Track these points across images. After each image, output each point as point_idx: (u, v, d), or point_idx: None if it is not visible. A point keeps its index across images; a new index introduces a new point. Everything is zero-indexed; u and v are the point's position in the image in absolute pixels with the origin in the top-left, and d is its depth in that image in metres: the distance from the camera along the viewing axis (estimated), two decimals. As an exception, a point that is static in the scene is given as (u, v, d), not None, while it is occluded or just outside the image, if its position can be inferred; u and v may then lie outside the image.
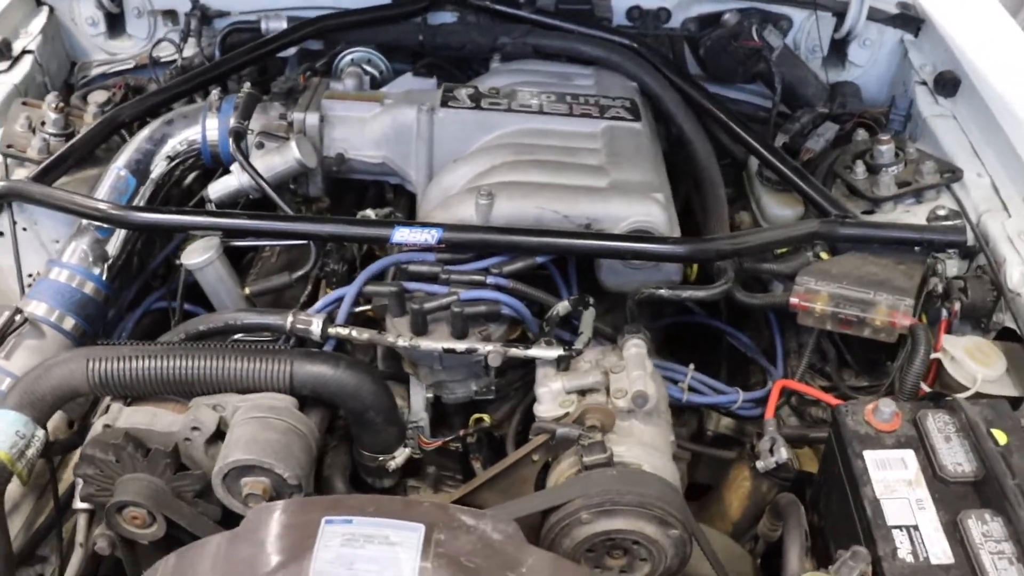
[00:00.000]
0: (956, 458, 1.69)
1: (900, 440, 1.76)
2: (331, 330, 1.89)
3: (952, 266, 2.14)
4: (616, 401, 1.80)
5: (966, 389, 1.94)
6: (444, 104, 2.27)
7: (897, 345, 2.07)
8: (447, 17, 2.70)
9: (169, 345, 1.82)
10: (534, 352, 1.87)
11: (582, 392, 1.85)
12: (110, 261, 2.15)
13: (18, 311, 1.99)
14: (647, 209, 2.07)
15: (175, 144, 2.25)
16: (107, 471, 1.79)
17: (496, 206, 2.06)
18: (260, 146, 2.21)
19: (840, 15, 2.68)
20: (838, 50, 2.78)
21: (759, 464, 2.00)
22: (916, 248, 2.14)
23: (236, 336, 1.97)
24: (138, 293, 2.33)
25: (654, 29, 2.70)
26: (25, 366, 1.93)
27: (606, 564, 1.74)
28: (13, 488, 2.12)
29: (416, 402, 1.98)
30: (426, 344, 1.88)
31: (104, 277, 2.15)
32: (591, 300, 1.99)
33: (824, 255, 2.20)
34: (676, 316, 2.45)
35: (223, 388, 1.78)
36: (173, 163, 2.25)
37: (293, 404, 1.77)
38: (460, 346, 1.87)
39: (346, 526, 1.50)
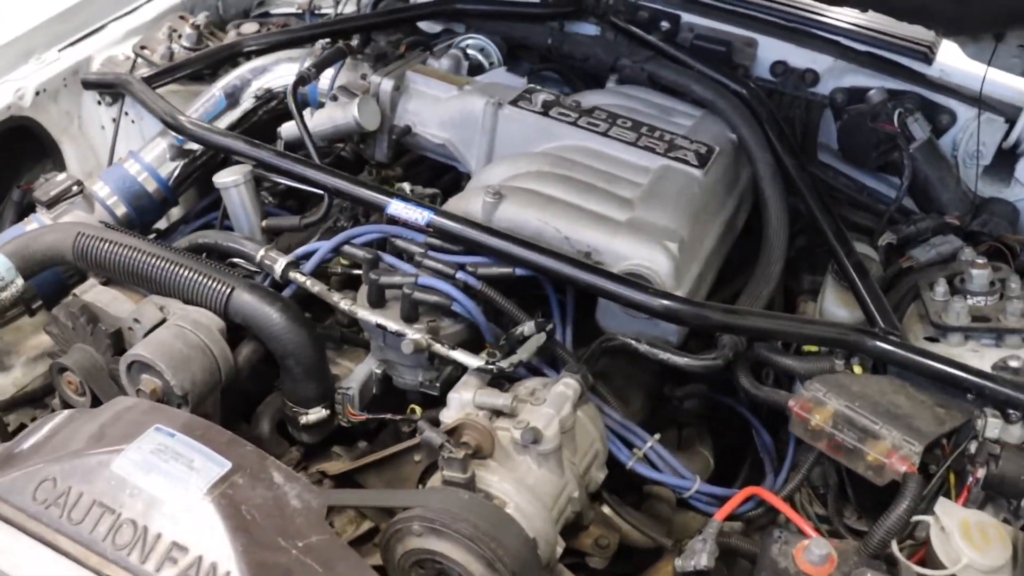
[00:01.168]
0: (864, 637, 1.45)
1: (818, 591, 1.54)
2: (291, 273, 1.95)
3: (995, 427, 1.79)
4: (513, 431, 1.70)
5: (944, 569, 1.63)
6: (513, 103, 2.24)
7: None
8: (590, 29, 2.66)
9: (148, 242, 1.95)
10: (455, 355, 1.81)
11: (496, 412, 1.77)
12: (179, 167, 2.34)
13: (79, 183, 2.22)
14: (652, 254, 1.92)
15: (269, 80, 2.40)
16: (65, 334, 1.96)
17: (502, 208, 2.00)
18: (334, 98, 2.30)
19: (1012, 121, 2.32)
20: (1008, 163, 2.40)
21: (677, 562, 1.80)
22: (969, 396, 1.83)
23: (235, 260, 2.07)
24: (210, 207, 2.51)
25: (794, 89, 2.48)
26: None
27: (435, 587, 1.66)
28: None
29: (358, 371, 1.98)
30: (363, 314, 1.88)
31: (170, 181, 2.34)
32: (551, 328, 1.88)
33: (857, 369, 1.93)
34: (715, 394, 2.26)
35: (171, 292, 1.89)
36: (259, 102, 2.40)
37: (218, 326, 1.84)
38: (392, 326, 1.85)
39: (166, 438, 1.55)
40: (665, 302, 1.80)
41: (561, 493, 1.73)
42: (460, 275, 1.91)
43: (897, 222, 2.33)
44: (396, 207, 1.97)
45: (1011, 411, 1.78)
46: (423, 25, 2.76)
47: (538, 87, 2.34)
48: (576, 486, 1.76)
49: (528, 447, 1.70)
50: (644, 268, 1.92)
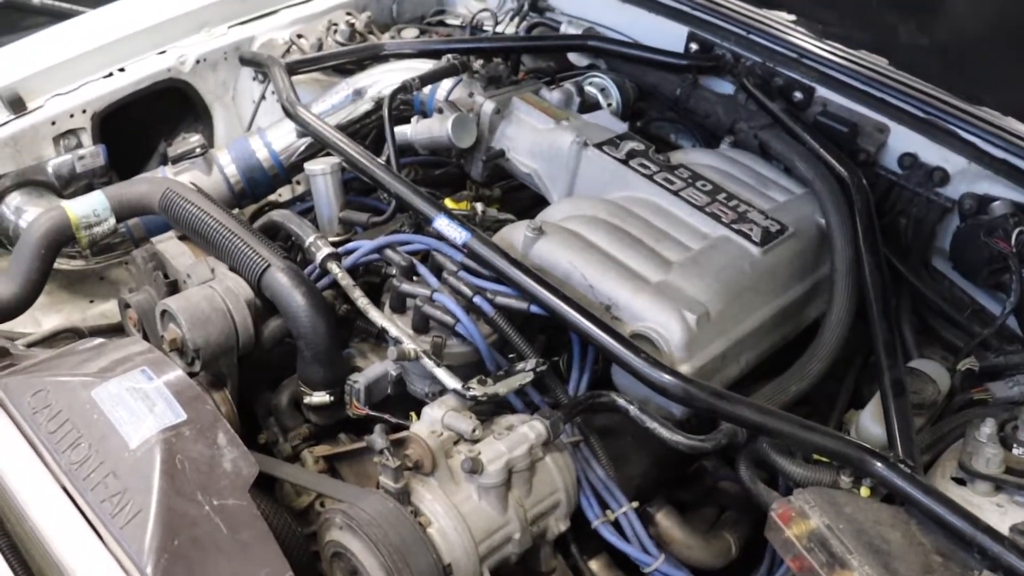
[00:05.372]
0: None
1: None
2: (329, 264, 2.06)
3: (986, 593, 1.60)
4: (459, 457, 1.72)
5: None
6: (599, 146, 2.24)
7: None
8: (726, 88, 2.59)
9: (221, 210, 2.13)
10: (437, 372, 1.84)
11: (461, 436, 1.79)
12: (297, 150, 2.53)
13: (204, 145, 2.47)
14: (667, 320, 1.87)
15: (395, 85, 2.52)
16: (137, 275, 2.20)
17: (539, 244, 2.02)
18: (440, 111, 2.39)
19: None
20: None
21: (608, 630, 1.75)
22: (977, 554, 1.63)
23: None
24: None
25: (917, 186, 2.29)
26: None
27: (349, 584, 1.72)
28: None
29: (371, 369, 2.04)
30: (373, 314, 1.95)
31: (285, 160, 2.54)
32: (543, 368, 1.87)
33: (864, 491, 1.78)
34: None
35: (222, 258, 2.06)
36: (374, 104, 2.54)
37: (246, 296, 1.98)
38: (393, 331, 1.92)
39: (145, 381, 1.71)
40: (652, 370, 1.74)
41: (498, 530, 1.72)
42: (477, 299, 1.95)
43: (991, 348, 2.12)
44: (440, 222, 2.03)
45: (1019, 582, 1.59)
46: (573, 58, 2.81)
47: (633, 135, 2.32)
48: (519, 528, 1.75)
49: (472, 477, 1.72)
50: (654, 333, 1.87)
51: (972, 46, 2.30)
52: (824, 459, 1.86)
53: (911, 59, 2.36)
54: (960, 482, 1.80)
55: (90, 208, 2.17)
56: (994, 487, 1.76)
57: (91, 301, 2.64)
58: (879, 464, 1.72)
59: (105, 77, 2.58)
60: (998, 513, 1.72)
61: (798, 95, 2.45)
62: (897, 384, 1.86)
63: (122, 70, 2.60)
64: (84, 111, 2.55)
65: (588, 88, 2.58)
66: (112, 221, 2.19)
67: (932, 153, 2.29)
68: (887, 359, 1.91)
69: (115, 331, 2.46)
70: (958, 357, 2.11)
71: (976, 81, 2.29)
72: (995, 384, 2.00)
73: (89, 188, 2.45)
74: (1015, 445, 1.78)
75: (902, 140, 2.33)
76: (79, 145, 2.56)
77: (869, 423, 1.96)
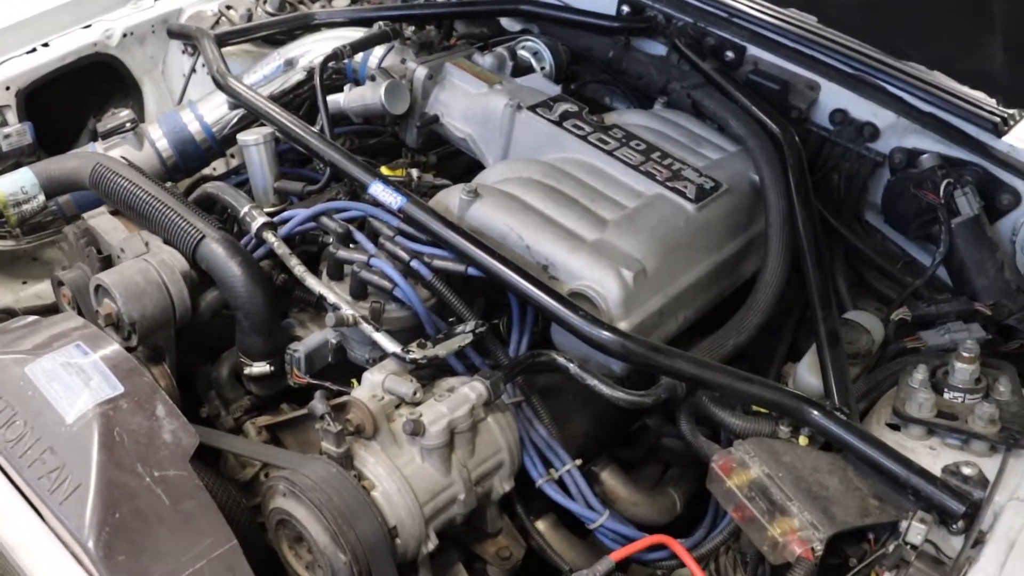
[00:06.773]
0: None
1: None
2: (265, 233, 2.03)
3: (919, 531, 1.63)
4: (399, 420, 1.72)
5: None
6: (532, 108, 2.24)
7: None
8: (658, 49, 2.60)
9: (153, 183, 2.09)
10: (377, 336, 1.84)
11: (402, 400, 1.79)
12: (229, 121, 2.49)
13: (133, 120, 2.42)
14: (604, 278, 1.88)
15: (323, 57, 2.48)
16: (70, 252, 2.15)
17: (475, 207, 2.02)
18: (372, 78, 2.37)
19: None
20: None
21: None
22: (911, 495, 1.67)
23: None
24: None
25: (848, 141, 2.33)
26: (114, 160, 2.35)
27: (295, 551, 1.71)
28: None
29: (311, 338, 2.03)
30: (311, 281, 1.94)
31: (217, 133, 2.50)
32: (482, 329, 1.87)
33: (803, 440, 1.81)
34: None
35: (156, 230, 2.03)
36: (308, 73, 2.50)
37: (181, 268, 1.96)
38: (331, 297, 1.91)
39: (80, 356, 1.68)
40: (590, 327, 1.75)
41: (442, 492, 1.73)
42: (414, 263, 1.94)
43: (922, 298, 2.16)
44: (376, 188, 2.02)
45: (952, 522, 1.63)
46: (506, 23, 2.80)
47: (567, 97, 2.32)
48: (463, 489, 1.75)
49: (414, 439, 1.72)
50: (591, 291, 1.88)
51: (898, 2, 2.34)
52: (763, 410, 1.90)
53: (839, 16, 2.39)
54: (894, 427, 1.84)
55: (17, 185, 2.12)
56: (927, 431, 1.81)
57: (24, 282, 2.59)
58: (816, 413, 1.76)
59: (28, 52, 2.52)
60: (931, 456, 1.77)
61: (730, 54, 2.48)
62: (832, 335, 1.90)
63: (46, 45, 2.54)
64: (8, 88, 2.48)
65: (521, 52, 2.58)
66: (41, 198, 2.15)
67: (862, 109, 2.33)
68: (822, 311, 1.94)
69: (49, 311, 2.40)
70: (891, 308, 2.15)
71: (903, 37, 2.32)
72: (927, 332, 2.05)
73: (17, 167, 2.38)
74: (946, 390, 1.82)
75: (833, 97, 2.37)
76: (4, 123, 2.49)
77: (806, 374, 2.00)
